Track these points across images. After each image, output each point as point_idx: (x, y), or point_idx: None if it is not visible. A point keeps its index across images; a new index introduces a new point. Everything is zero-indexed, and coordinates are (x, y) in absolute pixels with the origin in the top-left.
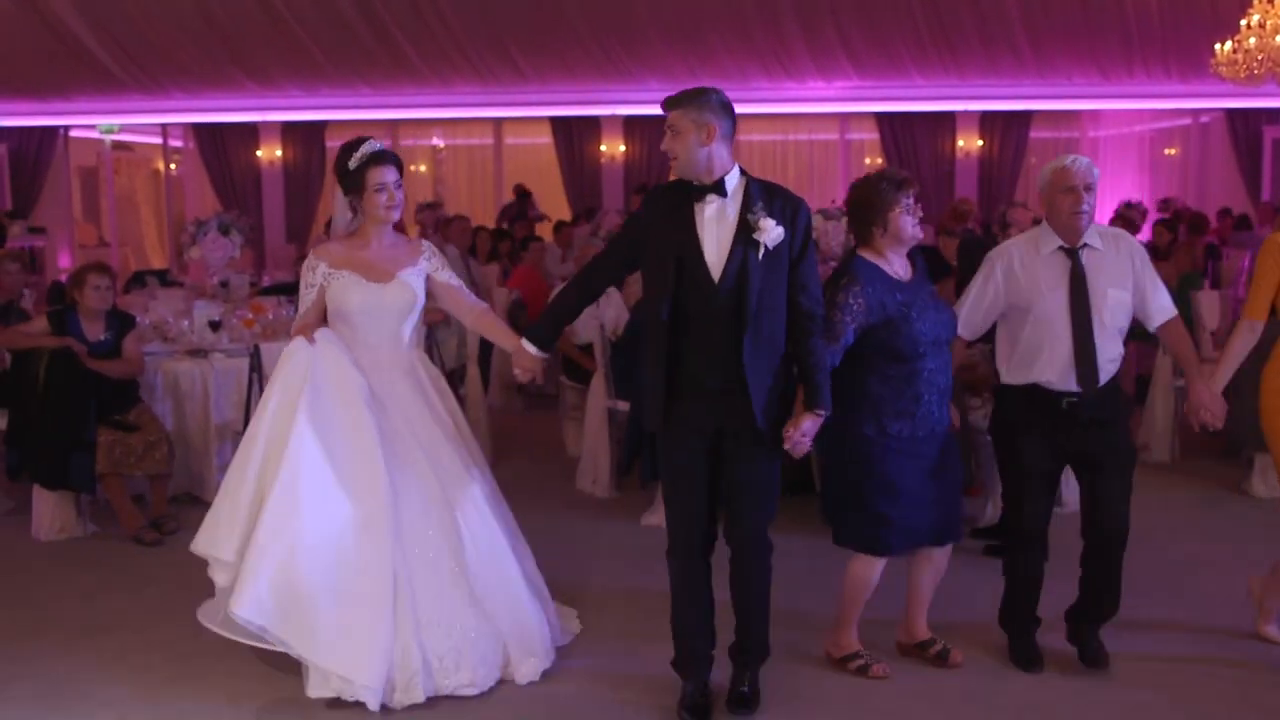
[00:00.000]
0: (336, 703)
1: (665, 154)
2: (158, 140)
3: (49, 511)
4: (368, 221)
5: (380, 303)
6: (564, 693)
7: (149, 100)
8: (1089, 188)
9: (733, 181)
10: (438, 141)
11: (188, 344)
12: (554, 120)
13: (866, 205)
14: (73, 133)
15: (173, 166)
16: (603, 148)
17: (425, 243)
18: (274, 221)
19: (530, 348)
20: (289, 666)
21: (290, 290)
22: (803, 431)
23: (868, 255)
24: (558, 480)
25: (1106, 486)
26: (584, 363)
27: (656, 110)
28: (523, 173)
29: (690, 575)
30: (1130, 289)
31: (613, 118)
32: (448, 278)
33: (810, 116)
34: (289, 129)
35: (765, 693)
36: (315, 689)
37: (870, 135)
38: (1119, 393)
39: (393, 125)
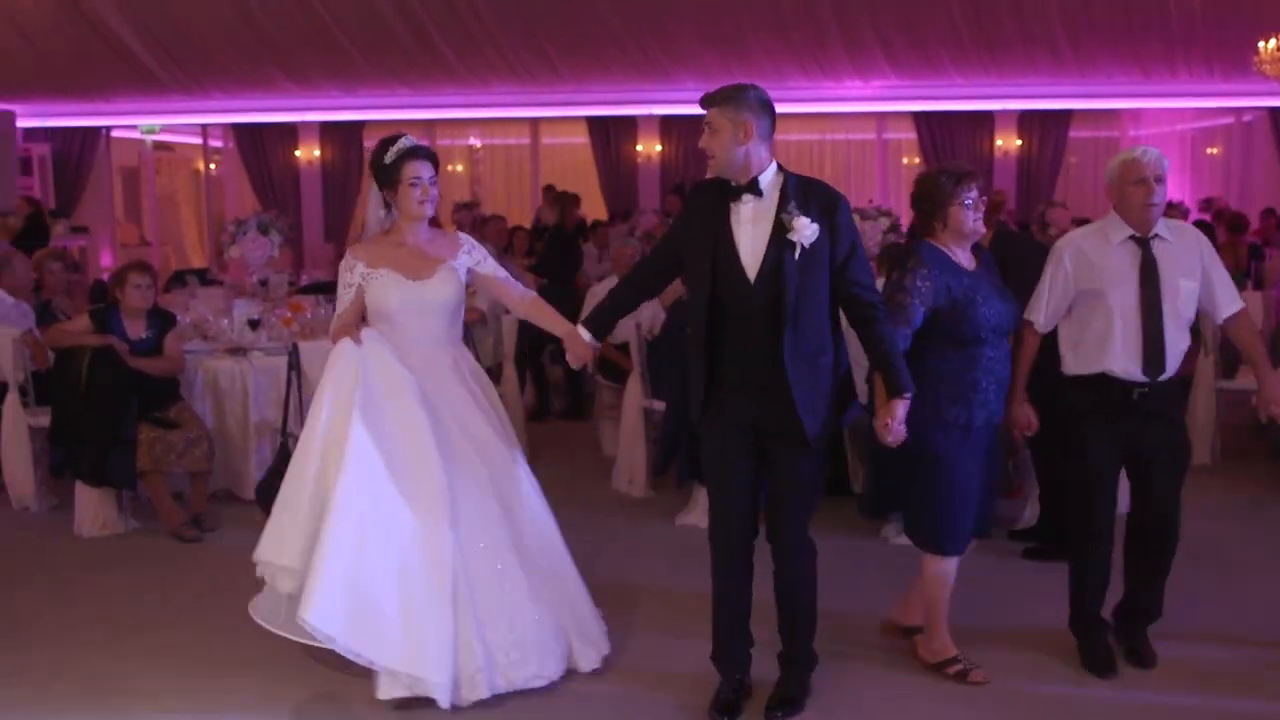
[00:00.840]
0: (404, 702)
1: (703, 152)
2: (198, 140)
3: (91, 508)
4: (402, 217)
5: (421, 300)
6: (598, 691)
7: (189, 101)
8: (1159, 179)
9: (768, 180)
10: (474, 141)
11: (227, 342)
12: (590, 120)
13: (927, 199)
14: (114, 133)
15: (212, 166)
16: (639, 147)
17: (463, 235)
18: (312, 221)
19: (585, 334)
20: (333, 660)
21: (328, 289)
22: (897, 419)
23: (934, 244)
24: (593, 480)
25: (1162, 482)
26: (621, 362)
27: (693, 110)
28: (559, 172)
29: (728, 568)
30: (1199, 279)
31: (649, 117)
32: (491, 269)
33: (847, 116)
34: (327, 129)
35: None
36: (385, 690)
37: (908, 135)
38: (1180, 388)
39: (430, 125)
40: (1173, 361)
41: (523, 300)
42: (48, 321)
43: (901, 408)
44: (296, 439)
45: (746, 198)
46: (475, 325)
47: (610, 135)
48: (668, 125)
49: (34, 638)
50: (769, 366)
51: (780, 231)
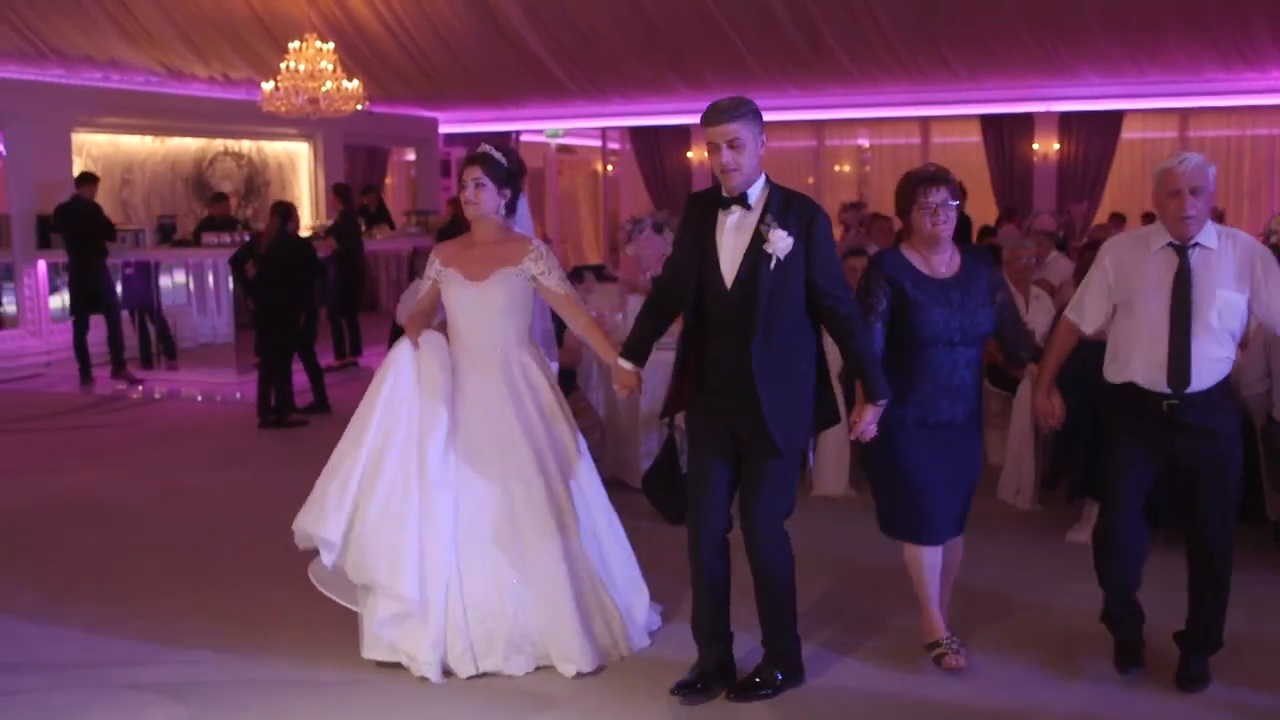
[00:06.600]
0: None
1: (723, 166)
2: (597, 143)
3: None
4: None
5: (473, 301)
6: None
7: (590, 105)
8: (1196, 190)
9: (756, 193)
10: (863, 141)
11: (621, 336)
12: (983, 118)
13: (899, 203)
14: (523, 137)
15: (610, 168)
16: (1035, 146)
17: (536, 243)
18: None
19: (626, 364)
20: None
21: None
22: (866, 421)
23: (903, 249)
24: (978, 489)
25: (1205, 501)
26: (1010, 369)
27: (1097, 105)
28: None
29: (699, 552)
30: (1246, 291)
31: (1047, 114)
32: (554, 284)
33: (1271, 109)
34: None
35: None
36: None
37: None
38: (1228, 401)
39: (818, 126)
40: (1203, 374)
41: (579, 318)
42: None
43: (872, 413)
44: (683, 432)
45: (735, 209)
46: None
47: (1004, 133)
48: (1067, 122)
49: None
50: (740, 373)
51: (758, 242)
